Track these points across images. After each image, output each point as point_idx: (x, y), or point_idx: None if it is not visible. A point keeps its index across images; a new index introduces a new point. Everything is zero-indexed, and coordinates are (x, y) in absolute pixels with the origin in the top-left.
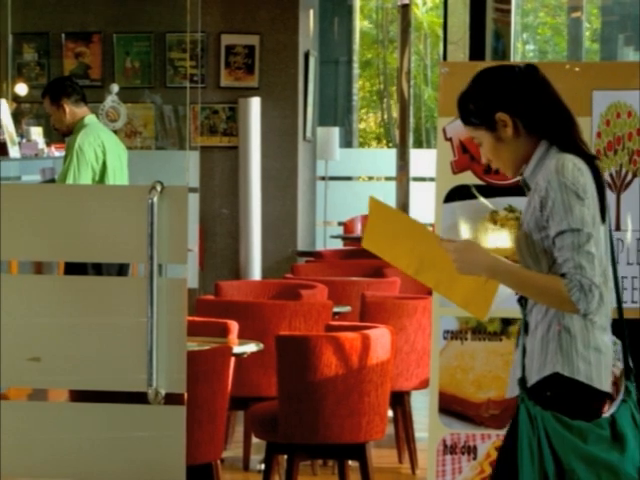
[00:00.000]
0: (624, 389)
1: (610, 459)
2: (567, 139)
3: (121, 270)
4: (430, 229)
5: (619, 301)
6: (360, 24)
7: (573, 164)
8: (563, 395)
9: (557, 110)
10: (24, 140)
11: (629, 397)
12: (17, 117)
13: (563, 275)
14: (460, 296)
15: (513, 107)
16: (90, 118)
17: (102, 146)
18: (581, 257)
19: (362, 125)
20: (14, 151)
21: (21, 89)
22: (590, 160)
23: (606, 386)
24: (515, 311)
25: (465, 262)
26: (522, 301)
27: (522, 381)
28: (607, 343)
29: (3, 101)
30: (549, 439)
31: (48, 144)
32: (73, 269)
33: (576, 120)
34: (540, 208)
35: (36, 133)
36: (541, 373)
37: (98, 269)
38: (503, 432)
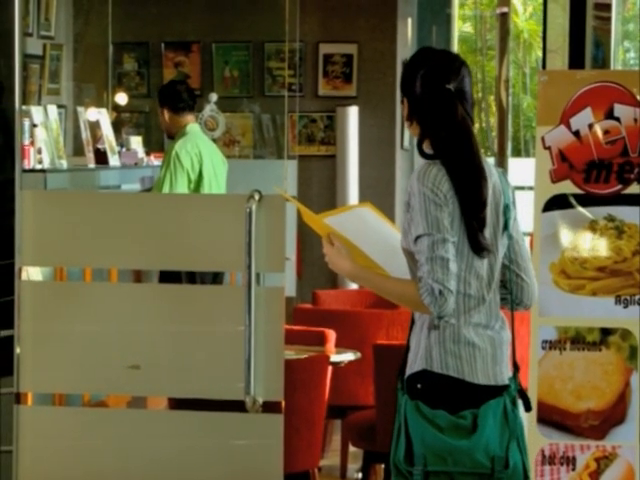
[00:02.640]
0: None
1: (459, 445)
2: (448, 147)
3: (215, 278)
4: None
5: (512, 300)
6: (458, 32)
7: (438, 170)
8: (431, 388)
9: (449, 118)
10: (124, 149)
11: (506, 391)
12: (117, 126)
13: (420, 279)
14: None
15: (407, 91)
16: (192, 127)
17: (199, 155)
18: (434, 262)
19: None
20: (114, 160)
21: (121, 99)
22: (472, 170)
23: (483, 379)
24: (614, 321)
25: (332, 263)
26: None
27: (401, 373)
28: (486, 338)
29: (103, 110)
30: (407, 426)
31: (147, 153)
32: (166, 277)
33: (471, 131)
34: (406, 211)
35: (136, 142)
36: (412, 368)
37: (192, 277)
38: (603, 443)
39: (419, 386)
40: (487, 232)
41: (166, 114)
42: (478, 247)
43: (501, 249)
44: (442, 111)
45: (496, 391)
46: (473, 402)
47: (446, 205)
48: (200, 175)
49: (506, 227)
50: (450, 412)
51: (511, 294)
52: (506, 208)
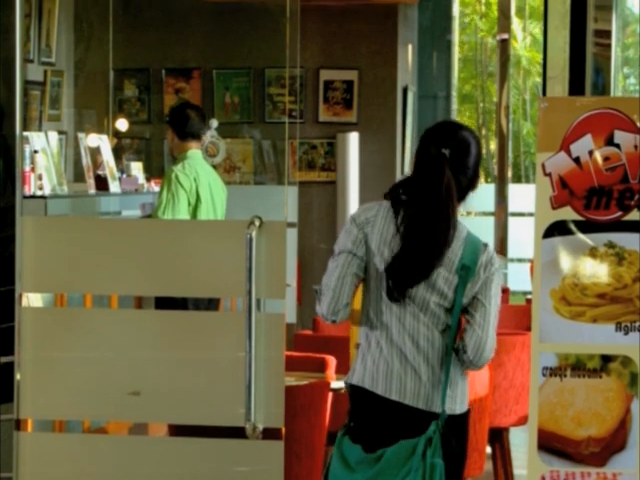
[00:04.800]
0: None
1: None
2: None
3: (210, 303)
4: None
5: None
6: (459, 59)
7: (374, 204)
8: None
9: (433, 177)
10: (124, 175)
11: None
12: (118, 152)
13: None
14: None
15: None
16: (194, 152)
17: (197, 179)
18: (326, 274)
19: None
20: (114, 186)
21: (122, 125)
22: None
23: (394, 395)
24: (615, 348)
25: None
26: None
27: None
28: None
29: (104, 136)
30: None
31: (148, 179)
32: (161, 302)
33: (419, 177)
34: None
35: (136, 168)
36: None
37: (184, 302)
38: (603, 470)
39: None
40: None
41: (171, 135)
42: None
43: (433, 304)
44: (428, 168)
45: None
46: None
47: (357, 227)
48: (198, 198)
49: (464, 284)
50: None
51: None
52: (462, 268)
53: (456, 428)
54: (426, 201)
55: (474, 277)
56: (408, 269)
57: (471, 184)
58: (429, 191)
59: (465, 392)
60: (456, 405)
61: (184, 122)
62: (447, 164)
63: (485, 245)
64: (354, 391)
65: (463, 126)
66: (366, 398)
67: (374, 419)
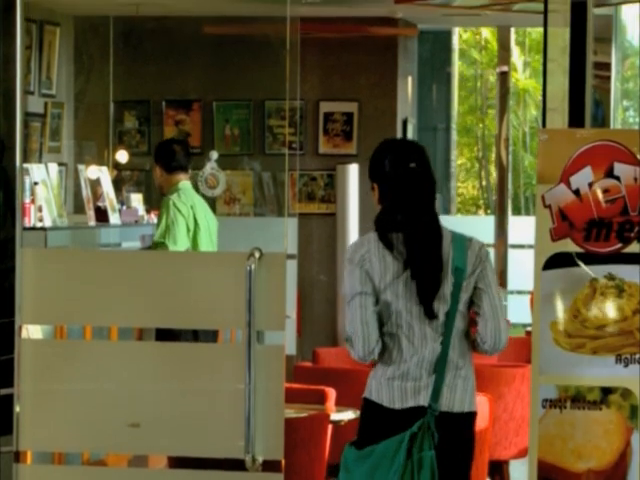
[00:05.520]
0: None
1: None
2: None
3: (209, 335)
4: None
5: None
6: (458, 90)
7: (362, 239)
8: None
9: (384, 192)
10: (124, 207)
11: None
12: (118, 184)
13: None
14: None
15: (377, 177)
16: (184, 184)
17: (193, 208)
18: (348, 321)
19: (460, 191)
20: (114, 218)
21: (122, 156)
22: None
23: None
24: (615, 380)
25: None
26: None
27: None
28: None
29: (104, 168)
30: None
31: (148, 211)
32: (161, 334)
33: (401, 198)
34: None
35: (136, 200)
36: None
37: (185, 334)
38: None
39: None
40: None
41: (159, 171)
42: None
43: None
44: (407, 187)
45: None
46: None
47: (354, 266)
48: (196, 224)
49: (459, 286)
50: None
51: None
52: (456, 271)
53: (454, 426)
54: (417, 216)
55: (467, 276)
56: (427, 288)
57: (435, 188)
58: (416, 207)
59: (468, 392)
60: (454, 403)
61: (171, 156)
62: (420, 176)
63: (469, 240)
64: (365, 404)
65: (408, 139)
66: (373, 409)
67: (377, 426)
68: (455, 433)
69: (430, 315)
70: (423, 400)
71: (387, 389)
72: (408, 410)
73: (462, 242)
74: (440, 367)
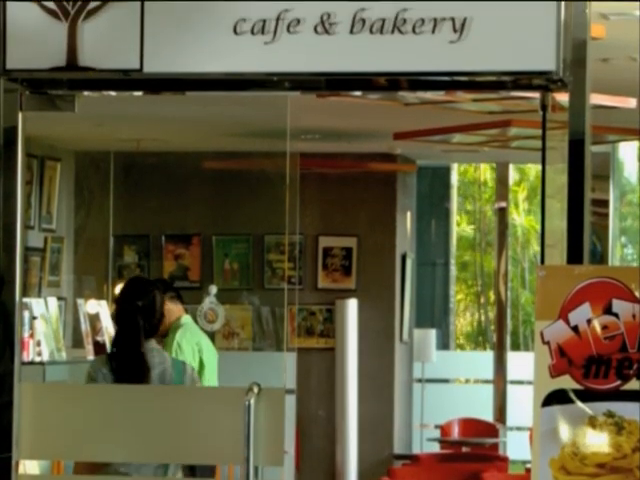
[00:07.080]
0: None
1: None
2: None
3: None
4: None
5: None
6: (457, 226)
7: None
8: None
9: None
10: None
11: None
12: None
13: None
14: None
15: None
16: (186, 318)
17: (199, 344)
18: None
19: (459, 327)
20: None
21: None
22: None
23: None
24: None
25: None
26: None
27: None
28: None
29: (103, 302)
30: None
31: None
32: None
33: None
34: None
35: None
36: None
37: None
38: None
39: None
40: None
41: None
42: None
43: None
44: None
45: None
46: None
47: None
48: (201, 364)
49: None
50: None
51: None
52: None
53: None
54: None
55: None
56: None
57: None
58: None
59: None
60: None
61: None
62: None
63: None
64: None
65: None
66: None
67: None
68: None
69: None
70: None
71: None
72: None
73: (180, 365)
74: None
